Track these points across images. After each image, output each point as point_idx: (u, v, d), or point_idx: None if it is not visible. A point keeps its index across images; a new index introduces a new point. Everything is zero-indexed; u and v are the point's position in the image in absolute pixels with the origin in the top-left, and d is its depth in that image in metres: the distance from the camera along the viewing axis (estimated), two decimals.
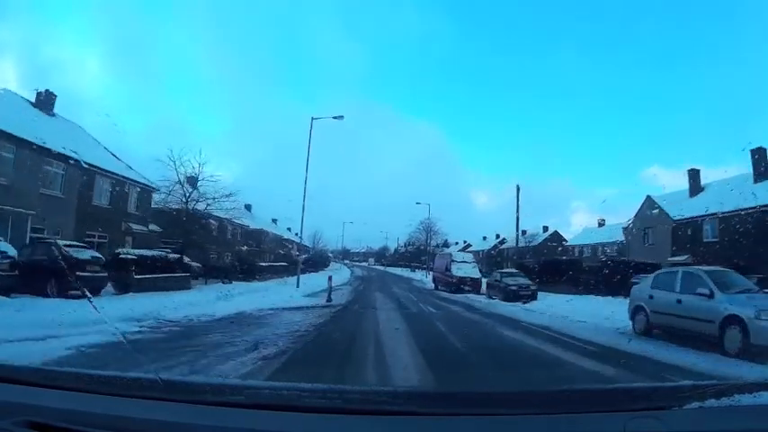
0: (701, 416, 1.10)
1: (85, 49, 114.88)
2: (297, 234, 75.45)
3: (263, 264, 36.34)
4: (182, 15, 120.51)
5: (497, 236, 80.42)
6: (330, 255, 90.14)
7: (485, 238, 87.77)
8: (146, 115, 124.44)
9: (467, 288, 25.41)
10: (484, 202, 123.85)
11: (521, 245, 40.97)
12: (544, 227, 70.21)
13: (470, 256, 34.92)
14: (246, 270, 28.32)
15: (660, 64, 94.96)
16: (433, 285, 31.08)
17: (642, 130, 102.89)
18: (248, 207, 56.63)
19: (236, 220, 34.51)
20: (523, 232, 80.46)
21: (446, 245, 74.65)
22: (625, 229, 36.87)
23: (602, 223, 56.75)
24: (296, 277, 24.20)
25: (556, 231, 68.72)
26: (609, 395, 1.37)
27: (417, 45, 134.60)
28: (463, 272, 26.94)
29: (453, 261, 28.55)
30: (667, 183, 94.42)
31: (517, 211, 31.10)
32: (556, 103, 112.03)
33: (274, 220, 60.40)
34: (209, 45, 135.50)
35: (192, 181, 24.79)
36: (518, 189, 30.85)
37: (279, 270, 34.76)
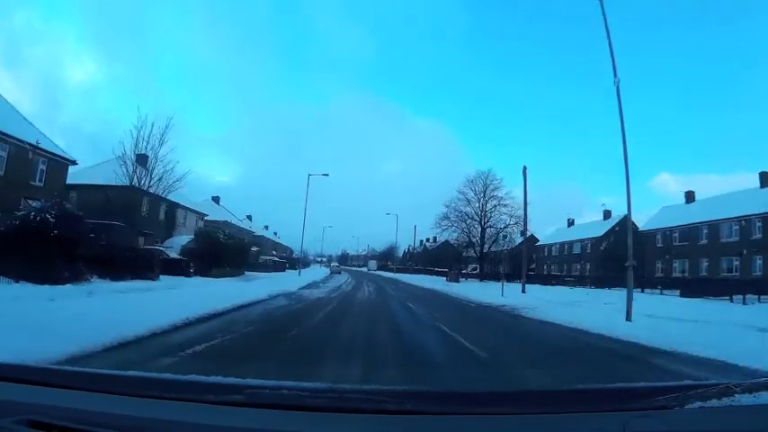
0: (702, 415, 1.11)
1: (76, 40, 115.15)
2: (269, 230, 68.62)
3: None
4: (182, 9, 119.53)
5: (605, 213, 51.34)
6: (311, 257, 76.78)
7: (570, 222, 60.58)
8: (139, 110, 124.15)
9: None
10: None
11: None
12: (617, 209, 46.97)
13: None
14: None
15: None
16: None
17: (647, 138, 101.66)
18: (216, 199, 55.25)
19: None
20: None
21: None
22: None
23: None
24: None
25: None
26: (609, 395, 1.36)
27: (427, 41, 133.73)
28: None
29: None
30: (675, 191, 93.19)
31: None
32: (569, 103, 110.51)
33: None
34: (208, 38, 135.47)
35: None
36: None
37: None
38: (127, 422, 1.11)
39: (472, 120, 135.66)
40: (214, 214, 44.51)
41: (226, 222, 45.27)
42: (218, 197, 56.05)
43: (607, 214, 52.03)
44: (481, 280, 39.48)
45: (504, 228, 42.72)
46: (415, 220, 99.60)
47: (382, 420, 1.16)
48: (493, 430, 1.13)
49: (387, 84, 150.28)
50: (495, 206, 42.53)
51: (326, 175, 38.95)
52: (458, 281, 37.59)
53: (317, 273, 48.10)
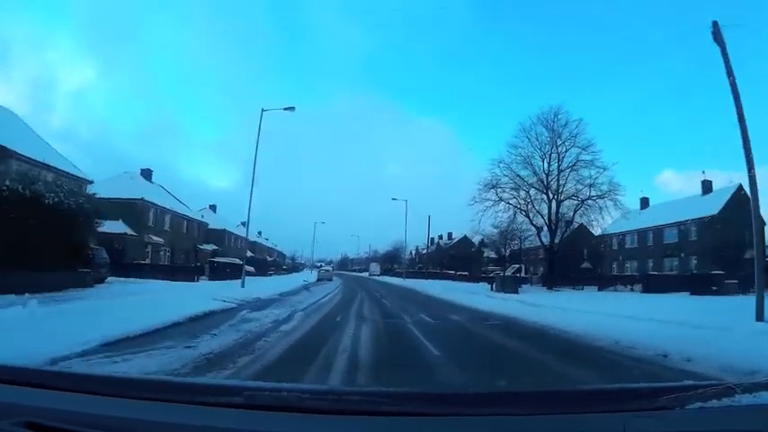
0: (702, 416, 1.11)
1: (71, 42, 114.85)
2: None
3: None
4: (177, 9, 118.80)
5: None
6: (311, 261, 71.61)
7: (643, 202, 44.12)
8: (135, 115, 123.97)
9: None
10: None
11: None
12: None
13: None
14: None
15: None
16: None
17: (648, 135, 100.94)
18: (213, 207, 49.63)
19: None
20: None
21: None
22: None
23: None
24: None
25: None
26: (609, 395, 1.36)
27: (427, 40, 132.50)
28: None
29: None
30: (680, 187, 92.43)
31: None
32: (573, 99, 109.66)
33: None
34: (204, 39, 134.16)
35: None
36: None
37: None
38: (125, 425, 1.11)
39: (474, 122, 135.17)
40: (135, 191, 30.44)
41: (142, 201, 31.57)
42: (150, 170, 40.26)
43: (707, 185, 38.65)
44: (550, 288, 24.64)
45: (586, 199, 24.67)
46: (418, 225, 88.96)
47: (382, 422, 1.16)
48: (493, 430, 1.13)
49: (387, 83, 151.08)
50: (576, 163, 24.39)
51: (292, 108, 23.65)
52: (516, 291, 23.27)
53: (291, 281, 31.12)
